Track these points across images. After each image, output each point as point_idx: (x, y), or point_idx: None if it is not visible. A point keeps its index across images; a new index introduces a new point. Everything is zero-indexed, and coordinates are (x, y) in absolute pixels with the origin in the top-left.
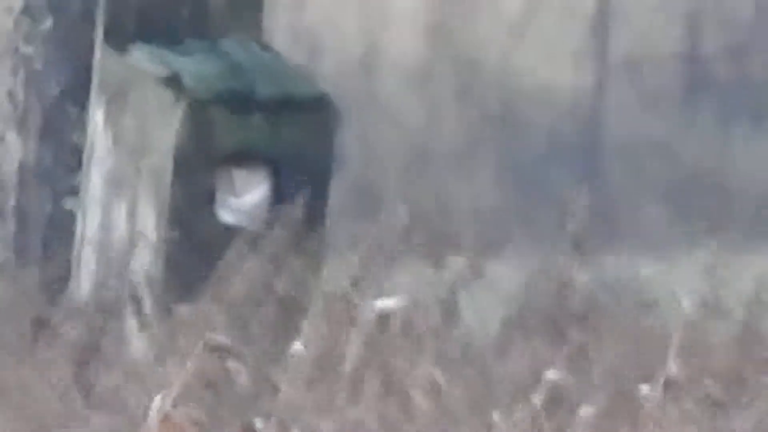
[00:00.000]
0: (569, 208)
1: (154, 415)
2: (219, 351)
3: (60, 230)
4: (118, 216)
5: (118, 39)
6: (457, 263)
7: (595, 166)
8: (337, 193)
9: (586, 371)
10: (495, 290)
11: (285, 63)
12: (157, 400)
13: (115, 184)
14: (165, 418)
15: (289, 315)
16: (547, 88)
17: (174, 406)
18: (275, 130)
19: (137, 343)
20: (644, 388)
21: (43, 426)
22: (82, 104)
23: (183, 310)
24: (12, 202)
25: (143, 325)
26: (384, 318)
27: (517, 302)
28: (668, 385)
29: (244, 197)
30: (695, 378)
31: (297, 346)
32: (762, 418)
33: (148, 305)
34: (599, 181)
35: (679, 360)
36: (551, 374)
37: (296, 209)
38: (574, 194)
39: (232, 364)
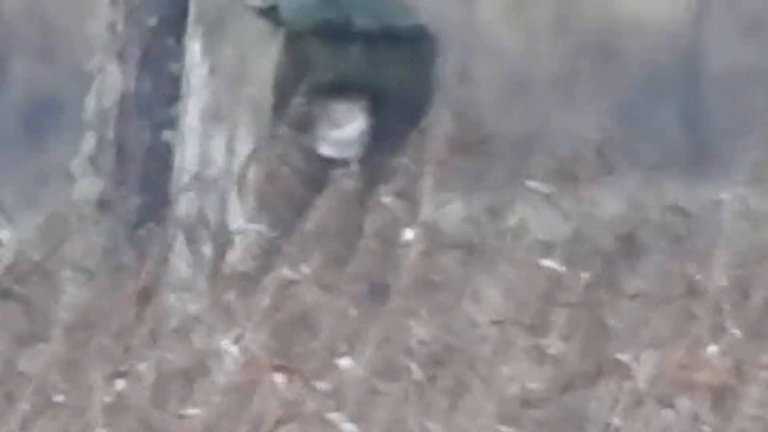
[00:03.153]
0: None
1: (235, 351)
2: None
3: (158, 161)
4: (216, 147)
5: None
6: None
7: (694, 96)
8: (436, 123)
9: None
10: (597, 217)
11: None
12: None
13: (213, 115)
14: (247, 354)
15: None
16: (645, 17)
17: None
18: (373, 61)
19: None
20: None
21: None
22: (180, 35)
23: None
24: (111, 133)
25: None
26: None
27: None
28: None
29: (343, 129)
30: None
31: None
32: None
33: (247, 237)
34: (699, 111)
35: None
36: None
37: (396, 141)
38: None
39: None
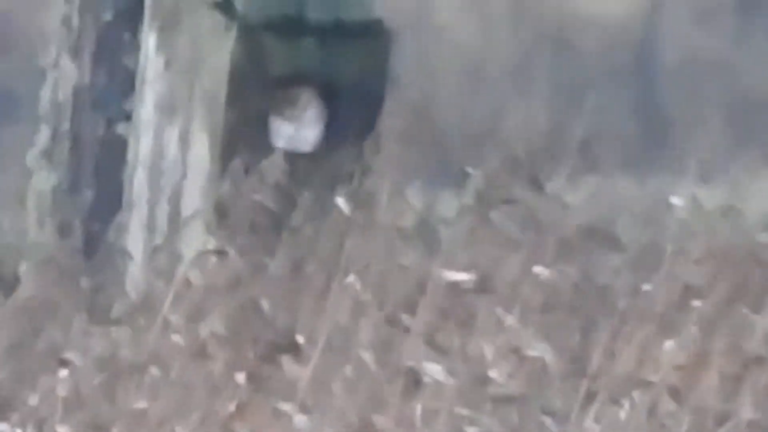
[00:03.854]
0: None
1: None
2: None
3: (113, 155)
4: (170, 141)
5: None
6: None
7: (649, 87)
8: (392, 116)
9: None
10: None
11: None
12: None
13: (167, 108)
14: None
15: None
16: (600, 9)
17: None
18: (328, 54)
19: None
20: None
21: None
22: (135, 29)
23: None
24: (66, 126)
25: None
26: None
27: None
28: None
29: (298, 123)
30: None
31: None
32: None
33: (199, 229)
34: (653, 102)
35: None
36: None
37: (350, 134)
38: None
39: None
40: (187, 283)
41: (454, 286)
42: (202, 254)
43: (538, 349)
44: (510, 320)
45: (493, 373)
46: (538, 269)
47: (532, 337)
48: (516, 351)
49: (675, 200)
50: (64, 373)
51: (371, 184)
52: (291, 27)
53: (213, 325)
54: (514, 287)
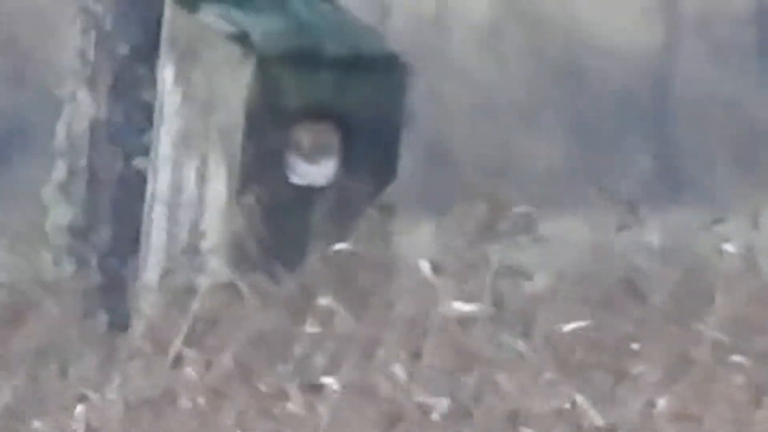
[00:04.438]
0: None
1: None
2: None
3: (130, 189)
4: (188, 174)
5: None
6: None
7: (664, 123)
8: (407, 149)
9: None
10: (555, 246)
11: (354, 21)
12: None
13: (185, 142)
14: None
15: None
16: (615, 45)
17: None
18: (344, 88)
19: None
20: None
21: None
22: (152, 63)
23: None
24: (83, 161)
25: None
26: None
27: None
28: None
29: (314, 156)
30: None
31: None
32: None
33: (217, 263)
34: (668, 138)
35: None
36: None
37: (367, 167)
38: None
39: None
40: (201, 316)
41: (463, 319)
42: (215, 287)
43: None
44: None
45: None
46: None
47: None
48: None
49: (728, 247)
50: (80, 408)
51: (386, 217)
52: (307, 60)
53: (226, 359)
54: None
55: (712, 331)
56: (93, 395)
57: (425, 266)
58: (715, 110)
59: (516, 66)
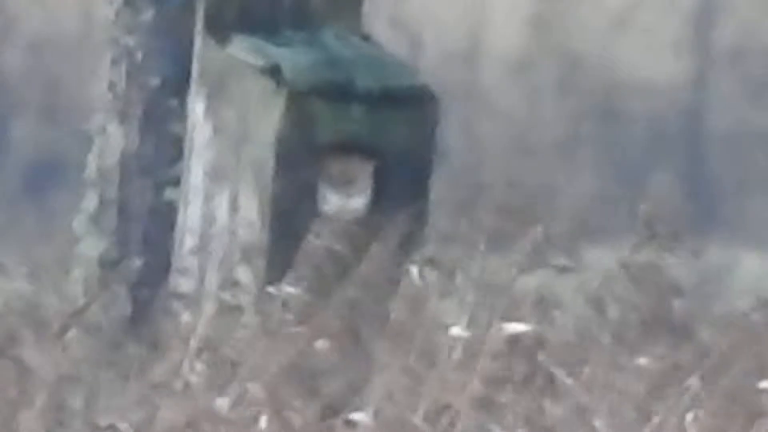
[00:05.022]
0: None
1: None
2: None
3: (161, 222)
4: (219, 207)
5: (219, 30)
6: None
7: (697, 158)
8: (439, 184)
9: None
10: (592, 282)
11: (385, 54)
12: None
13: (216, 175)
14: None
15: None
16: (648, 79)
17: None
18: (376, 122)
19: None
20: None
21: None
22: (183, 95)
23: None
24: (114, 193)
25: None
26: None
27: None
28: None
29: (346, 190)
30: None
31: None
32: None
33: (249, 297)
34: (701, 173)
35: None
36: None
37: (398, 202)
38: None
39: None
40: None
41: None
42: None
43: None
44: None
45: None
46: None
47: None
48: None
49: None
50: None
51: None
52: (339, 93)
53: (255, 389)
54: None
55: None
56: (121, 425)
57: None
58: (748, 144)
59: (548, 100)
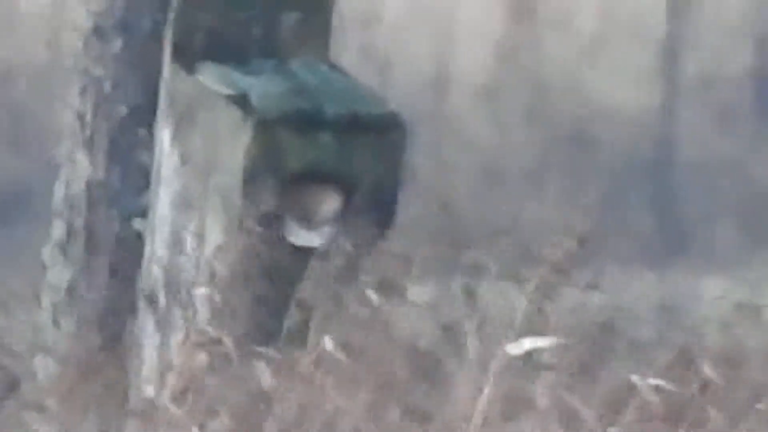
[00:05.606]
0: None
1: None
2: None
3: (128, 251)
4: (186, 237)
5: (187, 59)
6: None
7: (666, 186)
8: (408, 211)
9: None
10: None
11: (354, 82)
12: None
13: (184, 204)
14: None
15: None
16: (617, 108)
17: None
18: (344, 149)
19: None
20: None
21: None
22: (150, 124)
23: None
24: (81, 222)
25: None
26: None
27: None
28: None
29: (314, 218)
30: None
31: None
32: None
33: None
34: (671, 201)
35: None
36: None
37: (365, 229)
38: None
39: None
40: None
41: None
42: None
43: None
44: None
45: None
46: None
47: None
48: None
49: (721, 298)
50: None
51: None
52: (307, 122)
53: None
54: None
55: None
56: None
57: None
58: (717, 172)
59: (516, 127)
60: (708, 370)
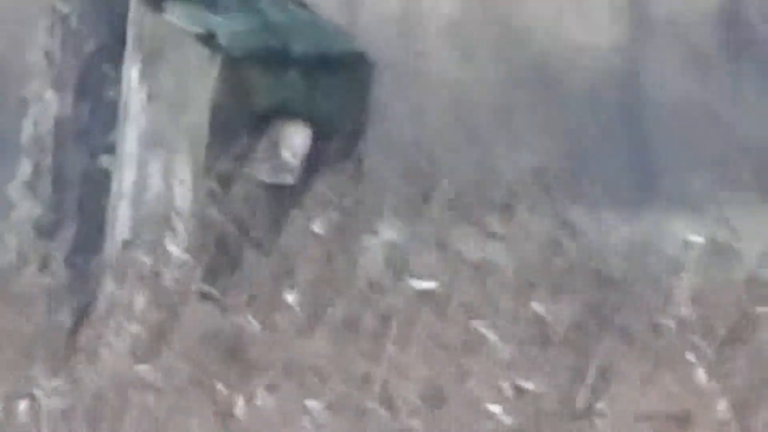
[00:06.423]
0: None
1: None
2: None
3: (95, 188)
4: (153, 173)
5: None
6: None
7: (634, 127)
8: (376, 149)
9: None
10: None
11: (321, 20)
12: None
13: (150, 141)
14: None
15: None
16: (585, 46)
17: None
18: (311, 87)
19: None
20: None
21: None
22: (118, 62)
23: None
24: (48, 159)
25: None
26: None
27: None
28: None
29: (281, 154)
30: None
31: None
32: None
33: (182, 262)
34: (641, 140)
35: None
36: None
37: (331, 166)
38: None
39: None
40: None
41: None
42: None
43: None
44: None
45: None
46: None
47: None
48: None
49: (694, 238)
50: (24, 405)
51: (350, 214)
52: (275, 60)
53: (175, 360)
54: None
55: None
56: (38, 392)
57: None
58: (685, 113)
59: (484, 65)
60: (684, 309)
